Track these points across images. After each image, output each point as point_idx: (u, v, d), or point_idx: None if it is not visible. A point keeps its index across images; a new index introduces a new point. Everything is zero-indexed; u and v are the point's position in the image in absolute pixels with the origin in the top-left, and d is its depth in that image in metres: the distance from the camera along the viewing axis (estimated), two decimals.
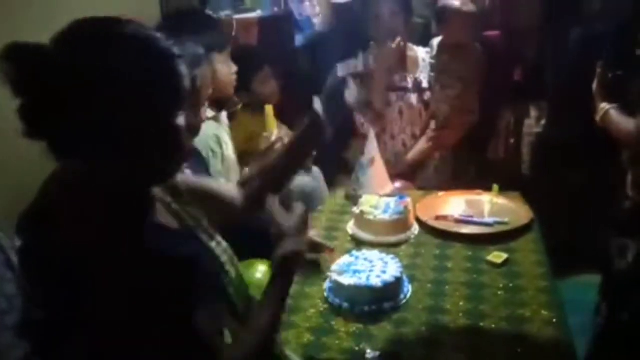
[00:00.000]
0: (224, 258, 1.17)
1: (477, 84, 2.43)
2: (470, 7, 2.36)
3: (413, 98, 2.34)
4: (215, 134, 1.79)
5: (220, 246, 1.17)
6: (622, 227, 1.64)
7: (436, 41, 2.46)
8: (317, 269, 1.57)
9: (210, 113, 1.80)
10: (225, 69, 1.82)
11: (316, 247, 1.55)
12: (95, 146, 0.81)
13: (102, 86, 0.79)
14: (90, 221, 0.82)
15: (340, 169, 3.56)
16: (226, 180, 1.76)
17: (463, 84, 2.39)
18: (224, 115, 1.97)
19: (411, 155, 2.40)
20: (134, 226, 0.86)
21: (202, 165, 1.69)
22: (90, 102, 0.79)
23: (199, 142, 1.67)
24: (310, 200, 2.30)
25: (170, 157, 0.90)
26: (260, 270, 1.68)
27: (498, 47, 2.74)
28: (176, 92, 0.86)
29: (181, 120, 0.88)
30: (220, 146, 1.79)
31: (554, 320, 1.35)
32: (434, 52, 2.44)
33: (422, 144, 2.40)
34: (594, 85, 1.77)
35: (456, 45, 2.38)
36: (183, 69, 0.87)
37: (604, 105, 1.70)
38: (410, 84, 2.37)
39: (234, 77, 1.86)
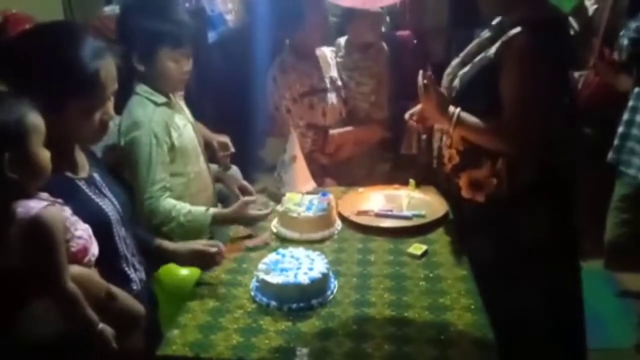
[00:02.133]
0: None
1: (387, 81, 2.51)
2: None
3: (333, 98, 2.37)
4: (165, 120, 1.76)
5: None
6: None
7: (343, 40, 2.51)
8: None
9: (160, 98, 1.77)
10: (174, 67, 1.77)
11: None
12: None
13: None
14: None
15: (259, 167, 3.56)
16: (178, 169, 1.79)
17: (375, 80, 2.45)
18: (183, 104, 1.96)
19: (336, 131, 2.41)
20: None
21: (144, 151, 1.68)
22: None
23: (142, 127, 1.69)
24: (231, 200, 2.28)
25: None
26: (182, 271, 1.64)
27: (408, 46, 2.85)
28: None
29: None
30: (169, 133, 1.75)
31: (472, 306, 1.43)
32: (343, 51, 2.48)
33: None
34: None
35: (364, 43, 2.44)
36: None
37: (453, 109, 1.66)
38: (328, 84, 2.39)
39: (184, 75, 1.82)
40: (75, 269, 1.12)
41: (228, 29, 4.32)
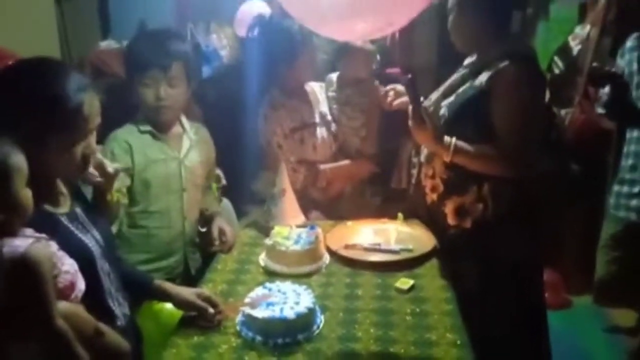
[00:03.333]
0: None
1: (378, 115, 2.56)
2: (369, 46, 2.49)
3: (323, 132, 2.40)
4: (129, 142, 1.83)
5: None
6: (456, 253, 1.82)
7: (334, 75, 2.56)
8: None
9: (146, 127, 1.87)
10: (145, 91, 1.84)
11: (210, 301, 1.53)
12: None
13: None
14: None
15: (250, 200, 3.56)
16: (140, 199, 1.83)
17: (366, 115, 2.50)
18: (184, 141, 2.00)
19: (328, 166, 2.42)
20: None
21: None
22: None
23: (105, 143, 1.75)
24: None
25: None
26: (167, 305, 1.62)
27: (397, 83, 2.91)
28: None
29: None
30: (131, 156, 1.81)
31: (458, 341, 1.43)
32: (335, 86, 2.53)
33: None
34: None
35: (356, 79, 2.49)
36: None
37: (449, 139, 1.71)
38: (318, 119, 2.43)
39: (160, 102, 1.86)
40: (63, 305, 1.11)
41: (222, 65, 4.39)
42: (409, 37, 2.86)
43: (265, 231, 2.00)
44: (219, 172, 2.71)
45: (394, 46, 2.96)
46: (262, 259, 1.87)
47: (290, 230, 1.91)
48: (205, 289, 1.64)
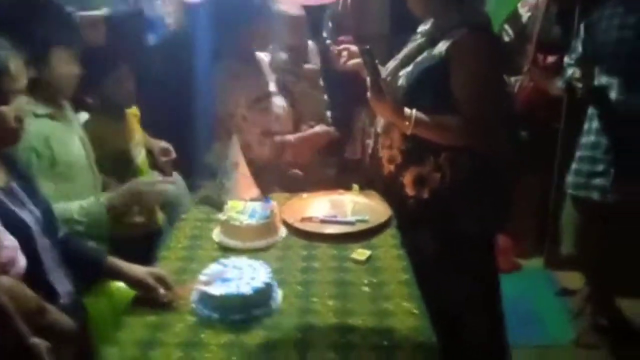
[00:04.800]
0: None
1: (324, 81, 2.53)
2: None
3: (282, 101, 2.35)
4: (44, 134, 1.63)
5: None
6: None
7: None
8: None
9: (42, 110, 1.64)
10: (66, 68, 1.68)
11: (163, 282, 1.48)
12: None
13: None
14: None
15: (202, 173, 3.48)
16: (62, 186, 1.63)
17: (309, 81, 2.46)
18: (72, 115, 1.81)
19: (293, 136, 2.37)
20: None
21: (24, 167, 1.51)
22: None
23: (21, 142, 1.48)
24: (173, 208, 2.21)
25: None
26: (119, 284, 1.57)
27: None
28: None
29: None
30: (50, 147, 1.63)
31: (415, 311, 1.44)
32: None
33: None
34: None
35: (290, 46, 2.44)
36: None
37: (409, 111, 1.70)
38: (274, 88, 2.37)
39: (74, 79, 1.72)
40: (3, 279, 1.06)
41: (168, 32, 4.22)
42: (362, 4, 2.81)
43: (219, 206, 1.95)
44: (168, 145, 2.62)
45: (346, 13, 2.91)
46: (216, 234, 1.82)
47: (245, 204, 1.87)
48: (159, 267, 1.59)
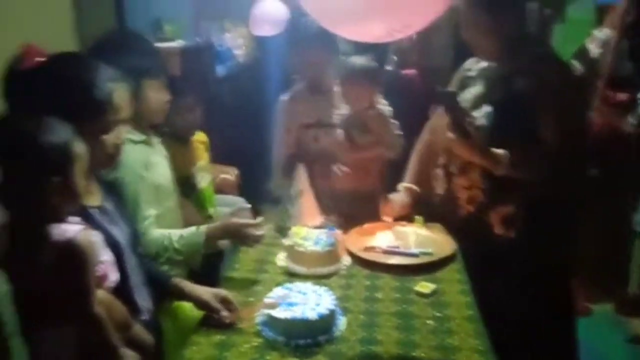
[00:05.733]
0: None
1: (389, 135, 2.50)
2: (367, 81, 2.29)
3: (341, 135, 2.39)
4: (143, 159, 1.72)
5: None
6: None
7: None
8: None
9: (138, 137, 1.74)
10: (157, 97, 1.78)
11: (228, 303, 1.53)
12: None
13: None
14: None
15: (266, 199, 3.56)
16: (155, 207, 1.71)
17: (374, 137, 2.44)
18: (156, 139, 1.91)
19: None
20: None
21: (130, 190, 1.63)
22: None
23: (124, 167, 1.61)
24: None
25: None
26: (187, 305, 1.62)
27: (414, 84, 2.91)
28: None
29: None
30: (149, 172, 1.72)
31: (480, 347, 1.42)
32: None
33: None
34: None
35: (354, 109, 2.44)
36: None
37: (501, 152, 1.67)
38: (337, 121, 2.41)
39: (165, 106, 1.82)
40: (100, 293, 1.13)
41: (237, 64, 4.41)
42: (427, 37, 2.85)
43: (283, 231, 2.00)
44: (233, 169, 2.71)
45: (411, 48, 2.95)
46: (281, 259, 1.86)
47: (308, 230, 1.90)
48: (224, 289, 1.64)
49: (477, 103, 1.80)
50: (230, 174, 2.94)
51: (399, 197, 2.08)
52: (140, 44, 1.77)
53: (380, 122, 2.29)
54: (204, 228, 1.70)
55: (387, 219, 2.03)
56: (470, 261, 1.84)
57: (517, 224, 1.70)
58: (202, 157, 2.35)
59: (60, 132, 1.13)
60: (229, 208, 2.54)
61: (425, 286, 1.68)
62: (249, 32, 4.38)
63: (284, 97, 2.39)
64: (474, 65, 1.88)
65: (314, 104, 2.36)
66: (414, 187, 2.10)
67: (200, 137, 2.39)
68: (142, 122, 1.76)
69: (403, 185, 2.11)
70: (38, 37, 1.53)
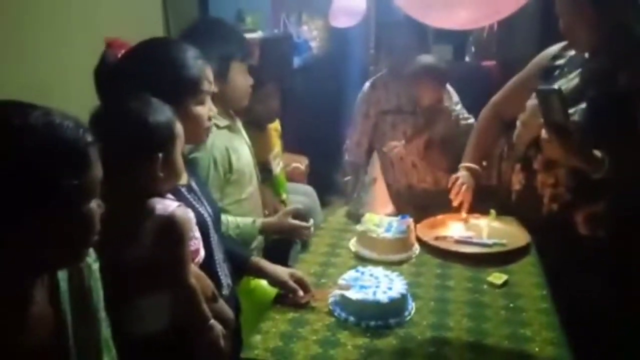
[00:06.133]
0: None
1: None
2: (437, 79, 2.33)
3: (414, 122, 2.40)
4: (225, 144, 1.79)
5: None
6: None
7: None
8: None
9: (222, 122, 1.82)
10: (243, 80, 1.85)
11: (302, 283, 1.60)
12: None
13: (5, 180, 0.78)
14: None
15: (334, 190, 3.63)
16: (233, 191, 1.79)
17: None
18: (240, 125, 1.98)
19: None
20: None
21: (203, 173, 1.70)
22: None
23: (205, 149, 1.70)
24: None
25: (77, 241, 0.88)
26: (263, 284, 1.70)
27: (493, 76, 2.85)
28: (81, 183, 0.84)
29: (92, 205, 0.87)
30: (228, 157, 1.78)
31: (555, 340, 1.40)
32: None
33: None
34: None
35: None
36: (92, 156, 0.86)
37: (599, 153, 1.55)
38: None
39: (248, 91, 1.90)
40: (192, 266, 1.21)
41: (312, 55, 4.49)
42: (509, 29, 2.78)
43: (356, 218, 2.04)
44: (306, 159, 2.78)
45: (490, 38, 2.89)
46: (353, 244, 1.91)
47: (381, 218, 1.93)
48: (299, 270, 1.70)
49: (571, 98, 1.72)
50: (300, 163, 3.03)
51: (462, 176, 2.06)
52: (228, 29, 1.86)
53: (448, 116, 2.28)
54: (259, 223, 1.76)
55: (455, 199, 2.01)
56: (549, 258, 1.79)
57: (606, 224, 1.62)
58: (276, 145, 2.42)
59: (164, 112, 1.21)
60: (297, 196, 2.60)
61: (497, 277, 1.67)
62: (324, 24, 4.46)
63: (366, 85, 2.43)
64: (562, 53, 1.80)
65: (394, 92, 2.38)
66: (474, 165, 2.06)
67: (274, 125, 2.46)
68: (228, 106, 1.85)
69: (463, 165, 2.08)
70: (131, 31, 1.65)
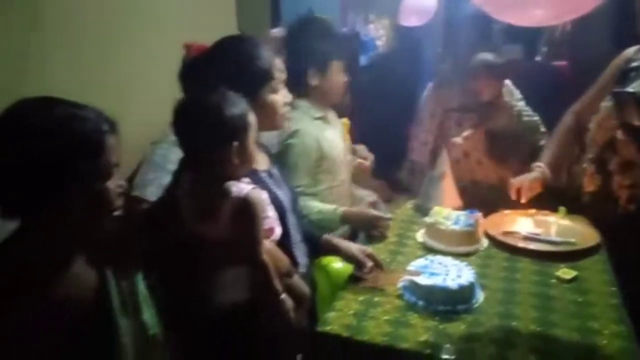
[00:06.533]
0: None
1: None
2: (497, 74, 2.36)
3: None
4: (317, 134, 1.93)
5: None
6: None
7: None
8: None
9: (317, 114, 1.96)
10: (340, 77, 1.99)
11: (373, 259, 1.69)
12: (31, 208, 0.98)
13: (31, 166, 0.95)
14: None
15: (395, 186, 3.67)
16: (325, 178, 1.94)
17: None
18: (335, 118, 2.13)
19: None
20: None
21: (294, 158, 1.85)
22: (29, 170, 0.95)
23: (297, 136, 1.87)
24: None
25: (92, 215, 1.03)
26: (338, 264, 1.80)
27: (565, 76, 2.83)
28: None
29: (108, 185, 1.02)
30: (319, 146, 1.92)
31: (624, 334, 1.42)
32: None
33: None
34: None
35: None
36: (107, 143, 1.01)
37: None
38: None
39: (344, 87, 2.03)
40: (266, 243, 1.32)
41: (378, 54, 4.56)
42: (583, 28, 2.75)
43: (424, 211, 2.10)
44: (371, 155, 2.84)
45: (563, 38, 2.87)
46: (421, 235, 1.97)
47: (449, 211, 1.99)
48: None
49: None
50: (367, 159, 3.10)
51: (532, 174, 2.09)
52: (330, 29, 1.99)
53: (508, 112, 2.30)
54: (340, 210, 1.87)
55: (515, 192, 2.03)
56: (620, 258, 1.79)
57: None
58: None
59: (239, 104, 1.32)
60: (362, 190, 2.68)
61: (566, 272, 1.69)
62: (390, 23, 4.51)
63: (430, 84, 2.49)
64: (638, 56, 1.80)
65: (459, 90, 2.42)
66: (547, 170, 2.09)
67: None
68: (324, 100, 1.99)
69: (536, 164, 2.11)
70: (204, 33, 1.79)
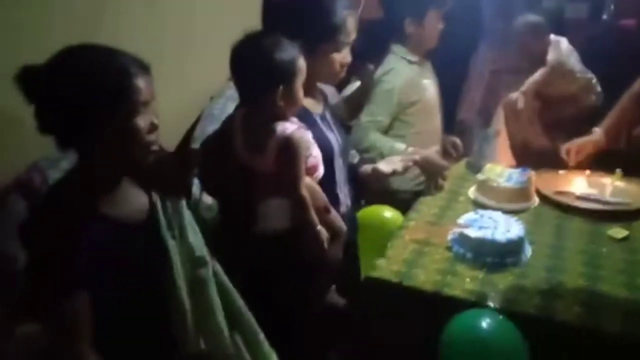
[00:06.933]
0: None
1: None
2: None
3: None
4: (411, 77, 2.13)
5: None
6: None
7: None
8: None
9: (412, 58, 2.13)
10: (436, 25, 2.12)
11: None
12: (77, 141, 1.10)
13: (74, 101, 1.05)
14: None
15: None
16: (416, 120, 2.14)
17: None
18: (430, 67, 2.27)
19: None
20: None
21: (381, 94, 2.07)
22: (71, 109, 1.06)
23: (391, 75, 2.10)
24: None
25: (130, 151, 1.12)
26: (387, 213, 1.88)
27: (632, 36, 2.72)
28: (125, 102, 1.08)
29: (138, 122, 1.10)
30: (412, 89, 2.11)
31: None
32: None
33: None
34: None
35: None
36: (136, 83, 1.08)
37: None
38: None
39: (439, 34, 2.14)
40: (307, 180, 1.43)
41: None
42: None
43: (476, 169, 2.12)
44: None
45: None
46: (472, 192, 2.00)
47: (503, 169, 2.00)
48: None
49: None
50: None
51: (583, 138, 2.08)
52: None
53: (555, 69, 2.27)
54: (411, 149, 1.96)
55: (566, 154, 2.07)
56: None
57: None
58: None
59: (289, 50, 1.40)
60: None
61: (618, 232, 1.70)
62: None
63: (481, 44, 2.47)
64: None
65: (507, 51, 2.39)
66: (601, 133, 2.11)
67: None
68: (421, 46, 2.14)
69: (595, 129, 2.11)
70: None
